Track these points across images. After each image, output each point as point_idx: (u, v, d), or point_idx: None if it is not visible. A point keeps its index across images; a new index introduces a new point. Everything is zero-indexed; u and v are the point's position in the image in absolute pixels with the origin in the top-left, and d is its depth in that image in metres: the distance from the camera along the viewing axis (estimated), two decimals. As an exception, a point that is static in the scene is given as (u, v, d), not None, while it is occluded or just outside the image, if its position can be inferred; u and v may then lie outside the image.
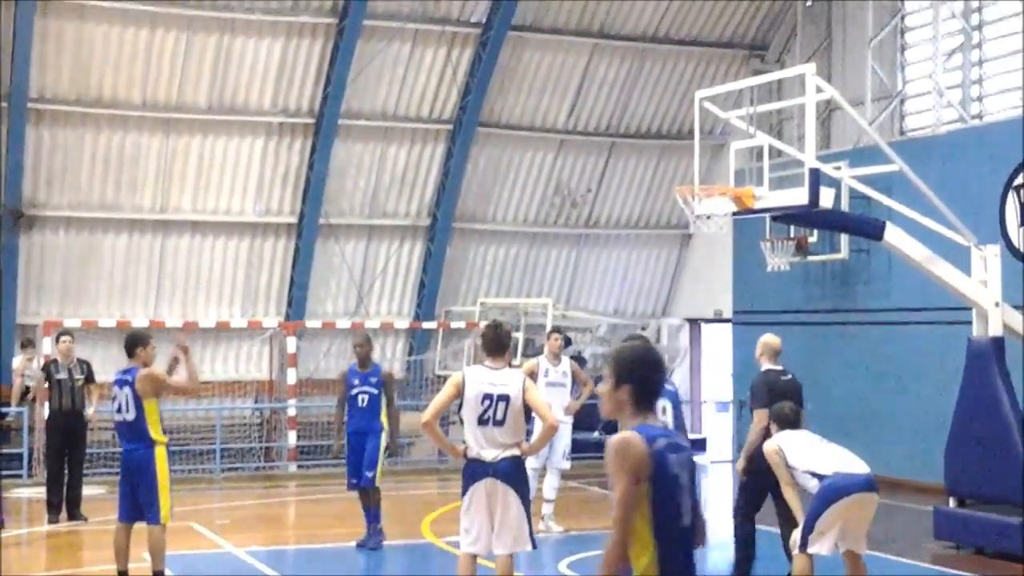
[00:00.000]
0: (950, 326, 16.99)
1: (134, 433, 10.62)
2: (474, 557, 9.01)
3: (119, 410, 10.70)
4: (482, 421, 8.85)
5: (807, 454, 9.87)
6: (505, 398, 8.88)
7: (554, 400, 13.46)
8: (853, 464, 9.78)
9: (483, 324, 21.24)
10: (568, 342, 22.57)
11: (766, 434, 10.57)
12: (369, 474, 13.07)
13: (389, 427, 13.25)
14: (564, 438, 14.17)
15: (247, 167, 22.64)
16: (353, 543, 13.36)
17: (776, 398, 10.90)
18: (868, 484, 9.68)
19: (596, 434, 21.78)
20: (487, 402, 8.84)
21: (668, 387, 9.86)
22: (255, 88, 22.10)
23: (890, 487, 13.22)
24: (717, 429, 24.09)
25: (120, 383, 10.71)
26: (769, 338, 12.19)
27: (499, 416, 8.87)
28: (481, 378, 8.90)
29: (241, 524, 15.48)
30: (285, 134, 22.66)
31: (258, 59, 21.85)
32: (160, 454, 10.65)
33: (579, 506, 12.39)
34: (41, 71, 20.71)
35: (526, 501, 9.06)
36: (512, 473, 8.95)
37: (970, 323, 14.18)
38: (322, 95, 22.29)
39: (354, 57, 21.85)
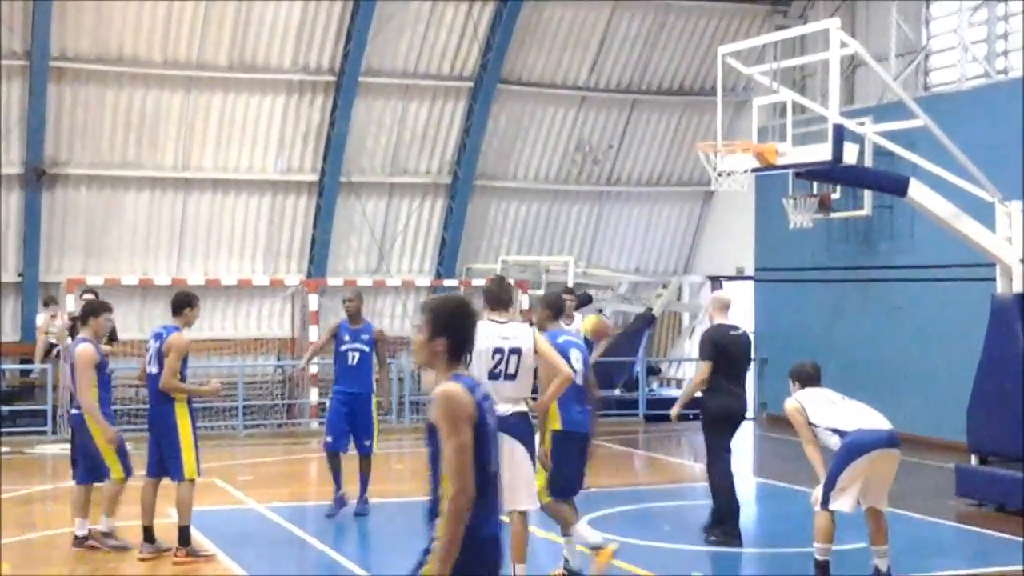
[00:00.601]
0: (974, 283, 16.95)
1: (156, 387, 10.74)
2: (519, 514, 8.93)
3: (149, 362, 10.90)
4: (493, 375, 8.75)
5: (828, 411, 9.85)
6: (517, 351, 8.83)
7: None
8: (875, 420, 9.76)
9: (487, 280, 21.32)
10: (589, 299, 22.61)
11: (709, 386, 11.46)
12: (367, 443, 12.79)
13: (380, 388, 12.96)
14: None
15: (268, 125, 22.62)
16: (375, 499, 13.40)
17: (721, 352, 11.51)
18: (890, 440, 9.66)
19: (617, 391, 21.82)
20: (498, 356, 8.77)
21: (574, 339, 9.93)
22: (276, 46, 22.03)
23: (912, 444, 13.22)
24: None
25: (156, 336, 10.93)
26: (720, 293, 12.77)
27: (511, 370, 8.82)
28: (490, 332, 8.77)
29: (264, 480, 15.58)
30: (306, 92, 22.61)
31: (278, 16, 21.76)
32: (181, 411, 10.76)
33: (600, 463, 12.41)
34: (62, 30, 20.68)
35: (533, 458, 9.02)
36: (522, 428, 8.89)
37: (994, 279, 14.14)
38: (343, 52, 22.22)
39: (374, 14, 21.75)
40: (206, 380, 12.09)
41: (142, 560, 10.80)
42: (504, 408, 8.72)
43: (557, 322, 9.73)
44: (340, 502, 12.88)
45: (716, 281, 25.76)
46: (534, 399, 9.36)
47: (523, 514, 8.99)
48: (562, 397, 9.25)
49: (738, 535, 11.57)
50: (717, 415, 11.75)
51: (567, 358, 9.35)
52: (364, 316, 13.16)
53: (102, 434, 10.90)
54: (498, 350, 8.78)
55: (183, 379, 10.85)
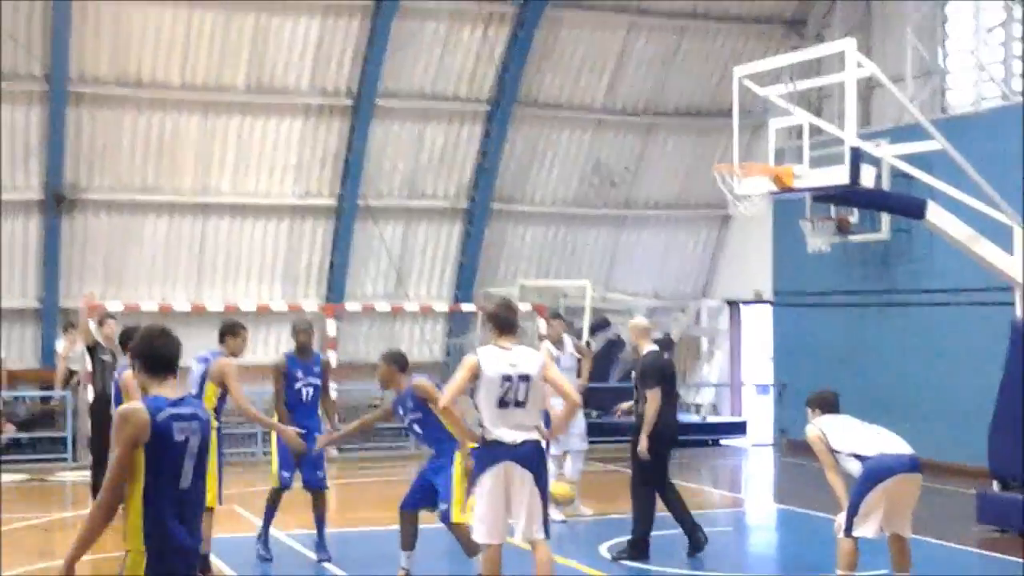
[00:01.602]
0: (993, 307, 16.87)
1: None
2: (498, 546, 8.80)
3: (190, 382, 10.95)
4: (503, 403, 8.62)
5: (849, 437, 9.82)
6: (526, 378, 8.66)
7: None
8: (896, 445, 9.72)
9: (523, 307, 21.24)
10: (607, 323, 22.61)
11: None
12: (320, 474, 12.10)
13: (329, 417, 12.41)
14: (579, 420, 14.19)
15: (286, 149, 22.67)
16: (394, 526, 13.35)
17: (664, 378, 12.00)
18: (912, 464, 9.62)
19: (617, 415, 21.73)
20: (507, 384, 8.60)
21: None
22: (293, 69, 22.10)
23: (933, 470, 13.14)
24: (757, 412, 23.99)
25: (202, 360, 11.04)
26: (640, 321, 12.92)
27: (520, 397, 8.64)
28: (498, 358, 8.68)
29: (284, 507, 15.42)
30: (323, 115, 22.68)
31: (296, 39, 21.85)
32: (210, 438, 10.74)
33: (617, 489, 12.36)
34: (80, 53, 20.78)
35: (546, 488, 8.89)
36: (532, 457, 8.73)
37: (1013, 303, 14.06)
38: (360, 75, 22.28)
39: (391, 37, 21.82)
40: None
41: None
42: (515, 436, 8.66)
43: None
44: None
45: (734, 305, 25.71)
46: None
47: (543, 541, 8.81)
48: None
49: (647, 551, 11.91)
50: (667, 440, 12.21)
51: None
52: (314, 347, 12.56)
53: None
54: (507, 377, 8.63)
55: (220, 407, 10.86)
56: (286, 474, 11.97)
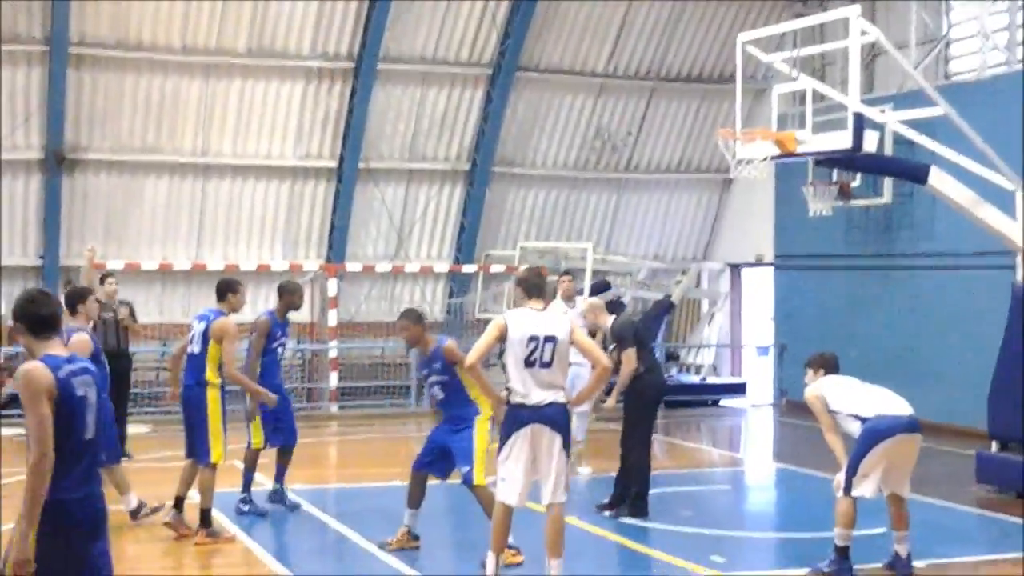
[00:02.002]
0: (994, 270, 16.91)
1: (193, 367, 10.86)
2: (510, 507, 8.89)
3: (191, 341, 11.03)
4: (528, 363, 8.71)
5: (849, 397, 9.84)
6: (552, 339, 8.75)
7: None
8: (896, 405, 9.75)
9: (522, 268, 21.32)
10: (607, 286, 22.62)
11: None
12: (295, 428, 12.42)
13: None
14: (582, 381, 14.21)
15: (287, 111, 22.66)
16: (395, 482, 13.45)
17: (640, 338, 12.10)
18: (911, 425, 9.66)
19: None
20: (533, 344, 8.70)
21: None
22: (294, 32, 22.06)
23: (932, 431, 13.19)
24: (757, 373, 24.09)
25: (202, 318, 11.09)
26: (594, 300, 13.25)
27: (546, 357, 8.73)
28: (526, 320, 8.80)
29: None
30: (324, 78, 22.64)
31: (297, 3, 21.79)
32: (212, 396, 10.85)
33: (613, 447, 12.45)
34: (81, 16, 20.74)
35: (568, 449, 8.97)
36: (559, 419, 8.81)
37: (1014, 267, 14.11)
38: (361, 39, 22.24)
39: (393, 1, 21.77)
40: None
41: (165, 525, 10.90)
42: (540, 397, 8.74)
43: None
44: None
45: (735, 268, 25.76)
46: None
47: (560, 507, 8.88)
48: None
49: (647, 509, 11.91)
50: (655, 396, 12.36)
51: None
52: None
53: None
54: (532, 338, 8.72)
55: (220, 363, 10.89)
56: (270, 435, 12.06)
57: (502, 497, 8.91)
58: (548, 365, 8.77)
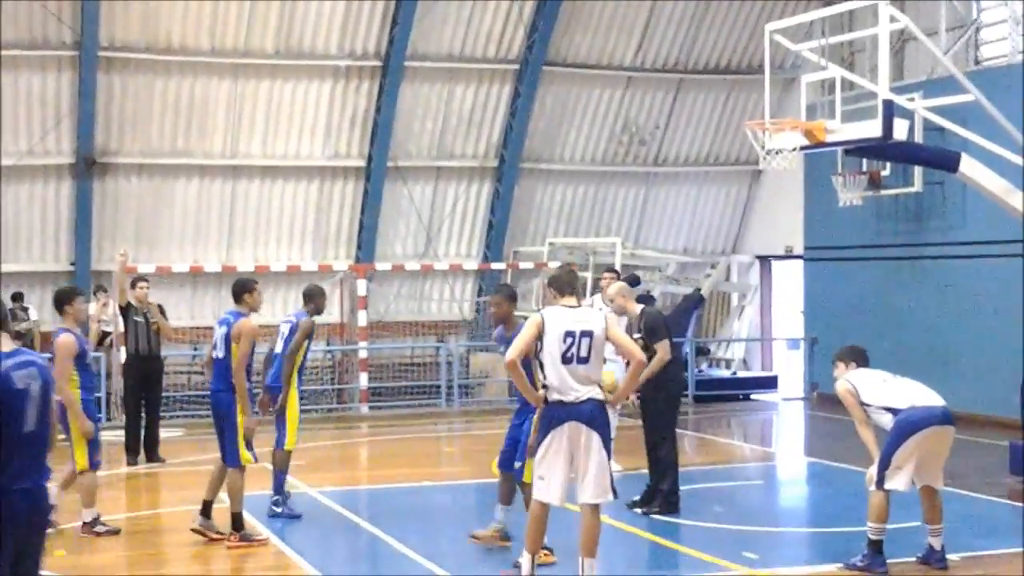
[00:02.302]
0: (1026, 259, 16.75)
1: (220, 372, 10.85)
2: (547, 506, 8.82)
3: (214, 347, 11.02)
4: (566, 359, 8.67)
5: (881, 390, 9.75)
6: (588, 334, 8.71)
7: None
8: (929, 397, 9.66)
9: (552, 265, 21.27)
10: (637, 281, 22.47)
11: None
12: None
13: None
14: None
15: (315, 111, 22.71)
16: (425, 482, 13.50)
17: (669, 332, 12.01)
18: (944, 417, 9.56)
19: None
20: (569, 339, 8.66)
21: None
22: (322, 32, 22.10)
23: (965, 422, 13.10)
24: (788, 366, 23.96)
25: (222, 322, 11.03)
26: (620, 284, 12.71)
27: (583, 353, 8.69)
28: (562, 316, 8.76)
29: (315, 465, 15.65)
30: (352, 77, 22.67)
31: (324, 2, 21.82)
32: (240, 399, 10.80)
33: (642, 444, 12.41)
34: (110, 19, 20.83)
35: (608, 447, 8.88)
36: (596, 417, 8.74)
37: (1047, 256, 13.98)
38: (388, 37, 22.25)
39: (419, -2, 21.78)
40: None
41: (193, 531, 10.91)
42: (578, 393, 8.69)
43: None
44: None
45: (765, 260, 25.63)
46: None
47: (595, 508, 8.81)
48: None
49: (678, 505, 11.91)
50: (678, 390, 12.46)
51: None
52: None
53: (79, 426, 10.79)
54: (569, 333, 8.69)
55: (249, 366, 10.87)
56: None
57: (540, 496, 8.84)
58: (585, 361, 8.73)
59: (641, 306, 12.28)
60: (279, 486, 12.03)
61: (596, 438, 8.72)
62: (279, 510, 11.94)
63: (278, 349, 11.79)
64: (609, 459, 8.91)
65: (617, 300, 12.24)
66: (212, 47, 21.67)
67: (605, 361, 9.13)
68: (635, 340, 11.59)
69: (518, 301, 10.52)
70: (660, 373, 11.82)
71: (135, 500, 13.99)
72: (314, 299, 12.30)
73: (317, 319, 12.38)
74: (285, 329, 11.95)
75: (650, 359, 11.73)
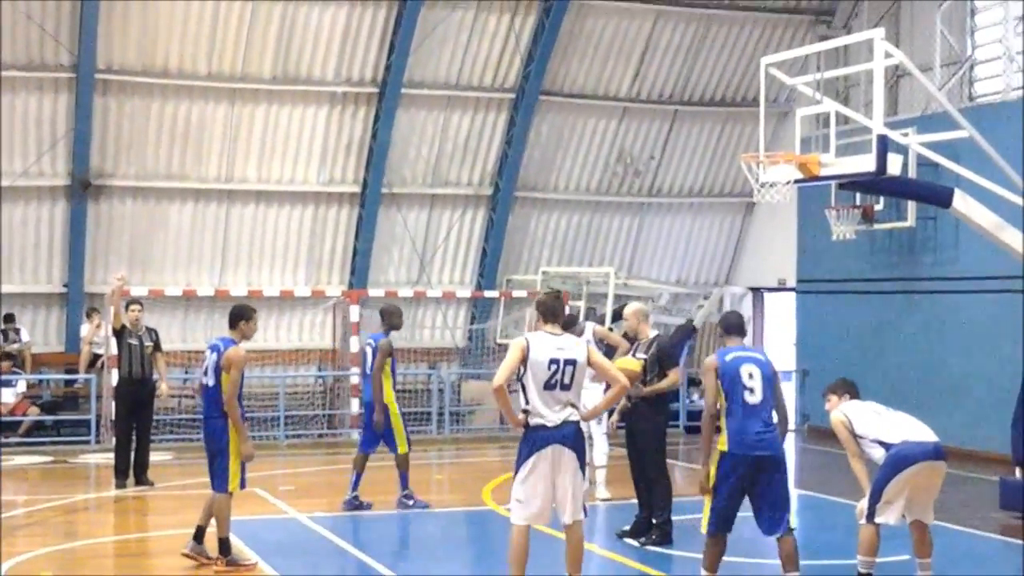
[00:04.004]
0: (1018, 295, 16.79)
1: (211, 399, 10.81)
2: (526, 529, 8.89)
3: (205, 373, 10.97)
4: (549, 386, 8.83)
5: (874, 423, 9.76)
6: (572, 362, 8.87)
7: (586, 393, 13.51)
8: (921, 432, 9.67)
9: (542, 292, 21.26)
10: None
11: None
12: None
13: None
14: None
15: (311, 136, 22.73)
16: (414, 509, 13.49)
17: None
18: (936, 452, 9.57)
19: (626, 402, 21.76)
20: (554, 367, 8.81)
21: (751, 354, 9.57)
22: (319, 58, 22.14)
23: (956, 456, 13.09)
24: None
25: (213, 348, 10.98)
26: (641, 304, 12.85)
27: (566, 380, 8.86)
28: (546, 343, 8.88)
29: (305, 490, 15.62)
30: (349, 103, 22.71)
31: (322, 28, 21.88)
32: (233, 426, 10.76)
33: (627, 474, 12.42)
34: (108, 42, 20.86)
35: (584, 468, 9.06)
36: (576, 438, 8.94)
37: (1039, 292, 14.01)
38: (385, 64, 22.31)
39: (417, 25, 21.82)
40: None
41: (184, 555, 10.86)
42: (559, 417, 8.83)
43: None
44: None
45: (757, 292, 25.66)
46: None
47: (578, 524, 8.96)
48: (735, 414, 9.20)
49: (671, 536, 11.97)
50: (667, 421, 12.47)
51: (739, 376, 9.22)
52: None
53: None
54: (554, 361, 8.83)
55: (240, 394, 10.83)
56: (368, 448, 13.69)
57: (517, 519, 8.92)
58: (568, 388, 8.91)
59: (656, 332, 12.41)
60: (405, 483, 13.57)
61: (576, 459, 8.93)
62: (410, 503, 13.47)
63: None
64: (584, 478, 9.10)
65: (631, 321, 12.29)
66: (209, 71, 21.71)
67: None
68: (637, 359, 11.73)
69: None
70: (655, 404, 11.86)
71: (124, 523, 13.93)
72: (387, 318, 13.48)
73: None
74: (368, 351, 13.29)
75: (649, 379, 11.82)
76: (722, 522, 9.37)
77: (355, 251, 23.43)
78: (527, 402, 8.89)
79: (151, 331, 15.85)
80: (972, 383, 18.60)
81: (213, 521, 10.94)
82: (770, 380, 9.39)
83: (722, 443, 9.31)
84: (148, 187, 22.07)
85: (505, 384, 8.86)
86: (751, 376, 9.30)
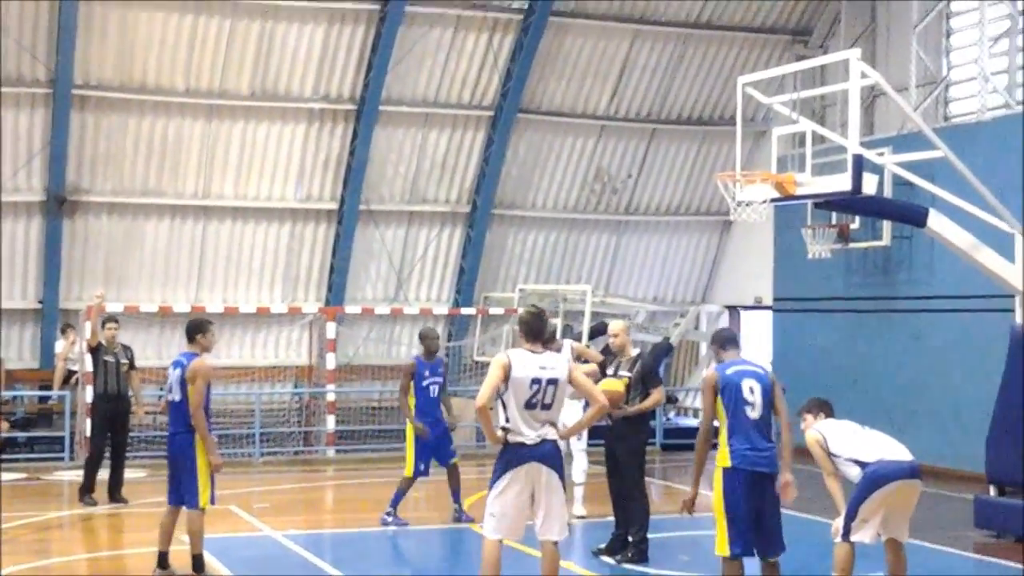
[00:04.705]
0: (993, 313, 16.87)
1: (177, 415, 10.75)
2: (500, 543, 8.87)
3: (169, 390, 10.91)
4: (530, 405, 8.78)
5: (850, 442, 9.78)
6: (554, 381, 8.83)
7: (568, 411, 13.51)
8: (896, 451, 9.68)
9: (522, 310, 21.29)
10: (605, 329, 22.53)
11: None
12: (451, 449, 14.23)
13: (447, 408, 14.30)
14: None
15: (288, 153, 22.72)
16: (391, 528, 13.47)
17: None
18: (912, 471, 9.59)
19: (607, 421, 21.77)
20: (536, 386, 8.77)
21: (750, 368, 9.48)
22: (297, 74, 22.15)
23: (931, 475, 13.15)
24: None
25: (176, 364, 10.93)
26: (621, 323, 12.81)
27: (547, 400, 8.82)
28: (528, 362, 8.83)
29: (280, 508, 15.56)
30: (326, 120, 22.71)
31: (300, 45, 21.89)
32: (199, 441, 10.70)
33: (604, 492, 12.43)
34: (85, 57, 20.83)
35: (564, 486, 8.99)
36: (555, 456, 8.88)
37: (1013, 310, 14.06)
38: (363, 81, 22.33)
39: (395, 43, 21.86)
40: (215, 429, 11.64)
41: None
42: (538, 435, 8.80)
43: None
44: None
45: (734, 311, 25.72)
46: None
47: (555, 544, 8.93)
48: (736, 430, 9.14)
49: (647, 554, 11.96)
50: (647, 439, 12.47)
51: (740, 390, 9.19)
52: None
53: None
54: (536, 380, 8.79)
55: (207, 407, 10.78)
56: (422, 466, 13.89)
57: (490, 533, 8.89)
58: (548, 407, 8.86)
59: (638, 349, 12.49)
60: (394, 501, 13.84)
61: (555, 477, 8.86)
62: (389, 520, 13.72)
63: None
64: (563, 499, 8.98)
65: (620, 337, 12.27)
66: (187, 87, 21.68)
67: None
68: (620, 377, 11.74)
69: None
70: (636, 422, 11.89)
71: (98, 541, 13.85)
72: (422, 341, 14.17)
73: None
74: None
75: (632, 398, 11.83)
76: (743, 542, 9.13)
77: (332, 268, 23.40)
78: (507, 420, 8.84)
79: (126, 348, 15.78)
80: (948, 402, 18.65)
81: (183, 538, 10.87)
82: (768, 394, 9.33)
83: (724, 460, 9.18)
84: (124, 203, 22.02)
85: (487, 404, 8.82)
86: (752, 391, 9.26)
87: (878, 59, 21.47)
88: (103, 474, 15.55)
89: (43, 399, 21.19)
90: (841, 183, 13.29)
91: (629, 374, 11.98)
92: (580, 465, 14.37)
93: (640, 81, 24.22)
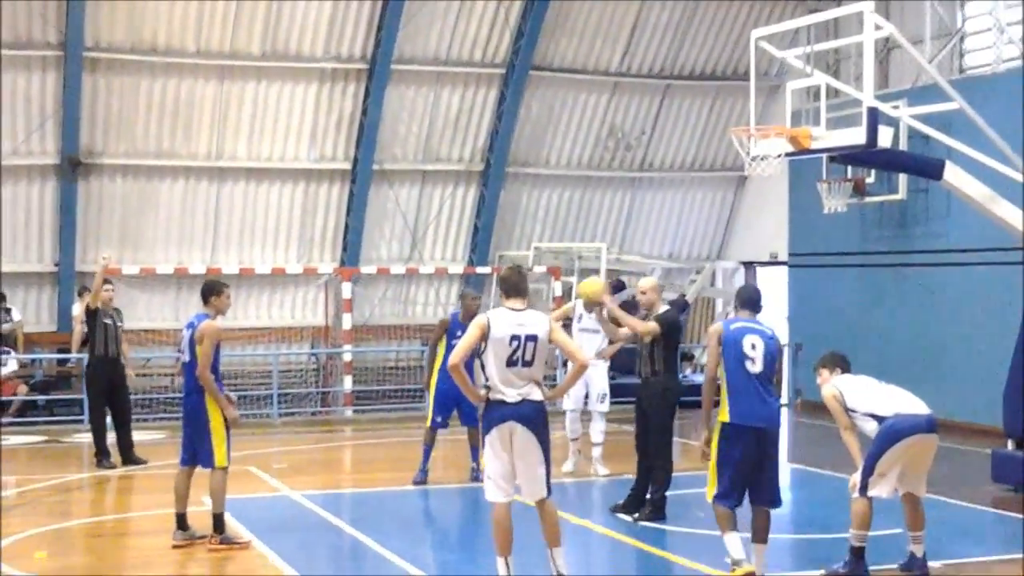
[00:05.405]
0: (1010, 267, 16.81)
1: (189, 376, 10.78)
2: (506, 505, 8.87)
3: (182, 350, 10.97)
4: (511, 362, 8.78)
5: (867, 397, 9.76)
6: (533, 338, 8.82)
7: (586, 345, 13.44)
8: (914, 405, 9.66)
9: (537, 270, 21.34)
10: (622, 286, 22.56)
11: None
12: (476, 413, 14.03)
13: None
14: (598, 382, 14.25)
15: (301, 113, 22.68)
16: (408, 486, 13.55)
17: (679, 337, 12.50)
18: (929, 425, 9.57)
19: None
20: (515, 343, 8.77)
21: (754, 325, 9.53)
22: (308, 34, 22.08)
23: (948, 429, 13.13)
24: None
25: (188, 325, 10.96)
26: (655, 280, 12.90)
27: (527, 357, 8.81)
28: (507, 320, 8.83)
29: (298, 468, 15.63)
30: (338, 80, 22.65)
31: (311, 5, 21.80)
32: (211, 400, 10.73)
33: (628, 450, 12.41)
34: (96, 20, 20.78)
35: (547, 447, 8.94)
36: (534, 418, 8.84)
37: (1030, 263, 14.02)
38: (375, 40, 22.24)
39: (406, 1, 21.75)
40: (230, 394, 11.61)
41: (175, 547, 10.83)
42: (519, 394, 8.80)
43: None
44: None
45: (750, 266, 25.66)
46: (551, 386, 9.52)
47: (547, 500, 8.93)
48: (735, 385, 9.20)
49: (664, 512, 11.95)
50: (675, 398, 12.34)
51: (741, 345, 9.25)
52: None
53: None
54: (515, 337, 8.79)
55: (216, 368, 10.83)
56: (439, 418, 13.92)
57: (491, 496, 8.93)
58: (529, 364, 8.86)
59: (666, 307, 12.40)
60: (425, 457, 13.97)
61: (533, 437, 8.83)
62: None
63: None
64: (548, 457, 8.96)
65: (650, 295, 12.23)
66: (198, 48, 21.63)
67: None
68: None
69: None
70: (656, 380, 11.90)
71: (117, 502, 13.94)
72: (463, 299, 14.28)
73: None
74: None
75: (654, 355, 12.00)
76: (729, 490, 9.26)
77: (347, 228, 23.41)
78: (487, 378, 8.86)
79: (118, 311, 15.85)
80: (964, 355, 18.62)
81: (203, 499, 10.92)
82: (773, 354, 9.38)
83: (724, 414, 9.29)
84: (138, 165, 22.02)
85: (461, 363, 8.86)
86: (753, 347, 9.30)
87: (892, 11, 21.27)
88: (111, 438, 15.61)
89: (61, 362, 21.27)
90: (856, 136, 13.20)
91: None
92: (598, 426, 14.41)
93: (653, 36, 24.08)
